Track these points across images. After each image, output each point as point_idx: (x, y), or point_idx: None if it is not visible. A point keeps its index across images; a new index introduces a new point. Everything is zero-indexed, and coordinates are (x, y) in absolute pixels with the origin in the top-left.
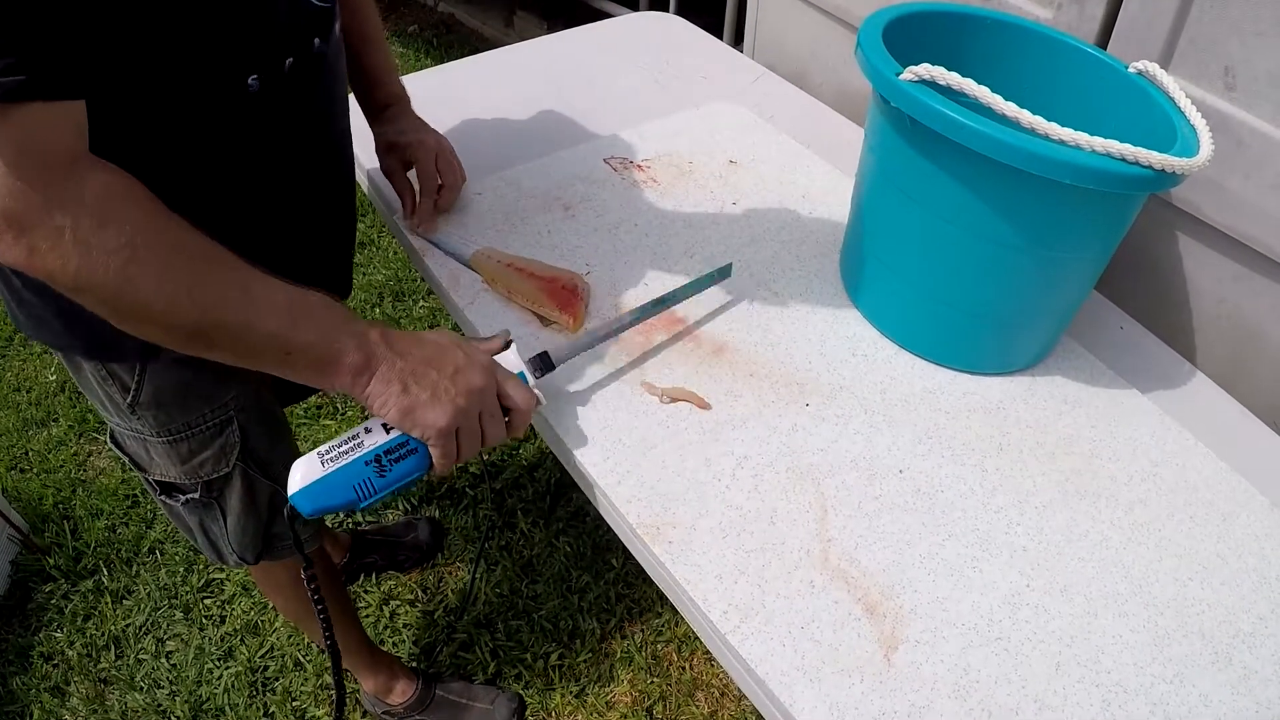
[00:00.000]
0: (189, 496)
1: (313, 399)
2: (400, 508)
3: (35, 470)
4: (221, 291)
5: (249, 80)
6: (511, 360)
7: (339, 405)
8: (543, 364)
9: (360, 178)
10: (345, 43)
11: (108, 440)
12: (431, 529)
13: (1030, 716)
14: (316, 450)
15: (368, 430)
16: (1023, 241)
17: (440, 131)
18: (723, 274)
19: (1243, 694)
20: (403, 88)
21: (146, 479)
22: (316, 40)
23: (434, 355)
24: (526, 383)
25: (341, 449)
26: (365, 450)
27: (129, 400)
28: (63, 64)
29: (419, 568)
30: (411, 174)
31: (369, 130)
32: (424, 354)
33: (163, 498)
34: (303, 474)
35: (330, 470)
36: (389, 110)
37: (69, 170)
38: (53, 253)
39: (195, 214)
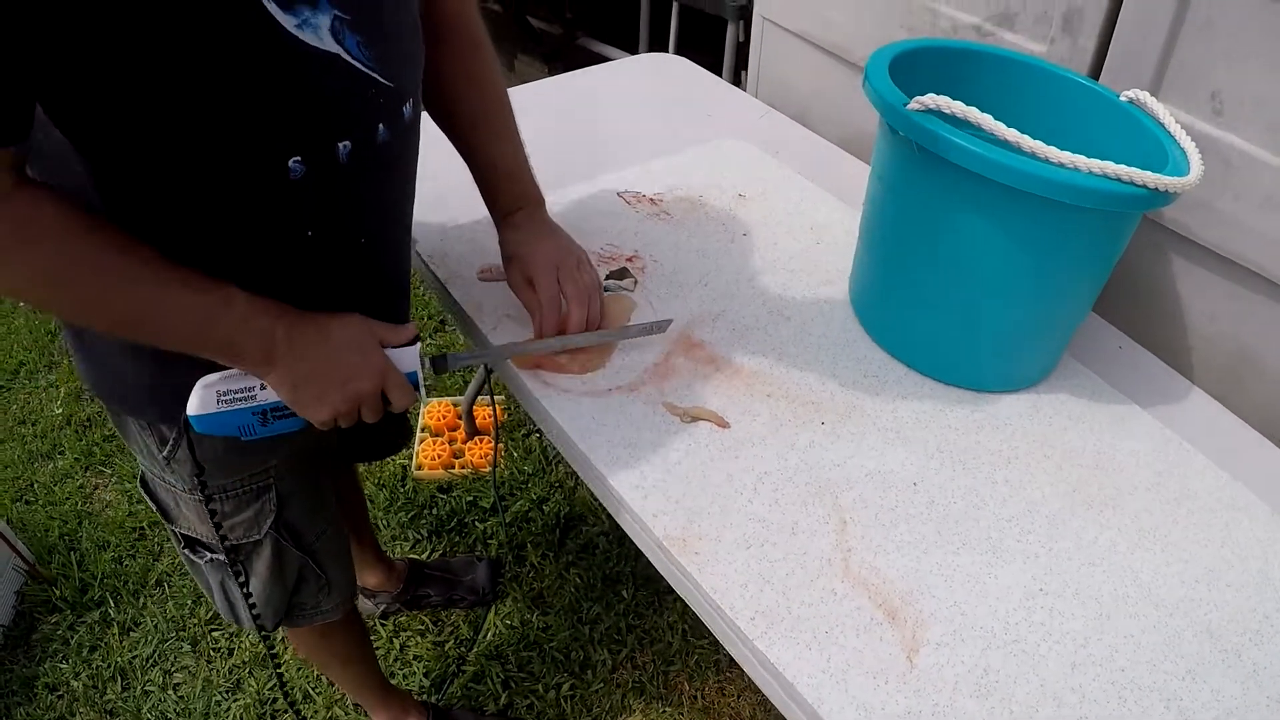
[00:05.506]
0: (214, 556)
1: None
2: (462, 545)
3: (41, 502)
4: (134, 308)
5: (290, 163)
6: (409, 359)
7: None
8: (436, 365)
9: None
10: (465, 130)
11: (138, 484)
12: (490, 572)
13: (1050, 713)
14: (216, 387)
15: (263, 387)
16: (1026, 262)
17: (565, 235)
18: (659, 328)
19: (1252, 689)
20: (535, 188)
21: (172, 530)
22: (381, 126)
23: (332, 359)
24: (417, 380)
25: (238, 394)
26: (257, 403)
27: (165, 453)
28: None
29: (472, 609)
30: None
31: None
32: (323, 355)
33: (186, 551)
34: (199, 404)
35: (223, 410)
36: (514, 215)
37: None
38: None
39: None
